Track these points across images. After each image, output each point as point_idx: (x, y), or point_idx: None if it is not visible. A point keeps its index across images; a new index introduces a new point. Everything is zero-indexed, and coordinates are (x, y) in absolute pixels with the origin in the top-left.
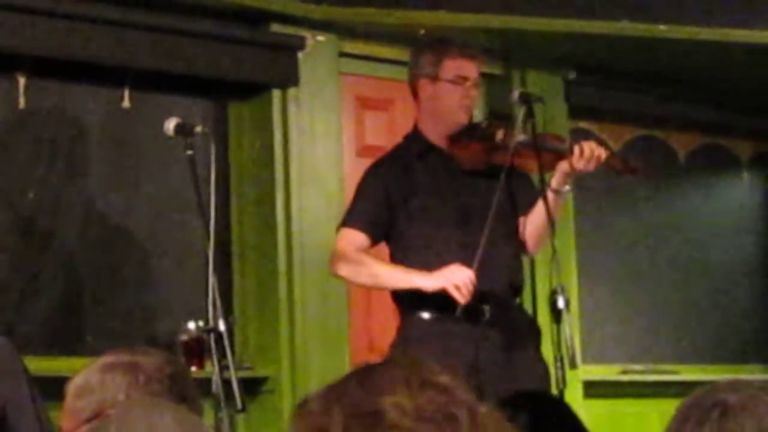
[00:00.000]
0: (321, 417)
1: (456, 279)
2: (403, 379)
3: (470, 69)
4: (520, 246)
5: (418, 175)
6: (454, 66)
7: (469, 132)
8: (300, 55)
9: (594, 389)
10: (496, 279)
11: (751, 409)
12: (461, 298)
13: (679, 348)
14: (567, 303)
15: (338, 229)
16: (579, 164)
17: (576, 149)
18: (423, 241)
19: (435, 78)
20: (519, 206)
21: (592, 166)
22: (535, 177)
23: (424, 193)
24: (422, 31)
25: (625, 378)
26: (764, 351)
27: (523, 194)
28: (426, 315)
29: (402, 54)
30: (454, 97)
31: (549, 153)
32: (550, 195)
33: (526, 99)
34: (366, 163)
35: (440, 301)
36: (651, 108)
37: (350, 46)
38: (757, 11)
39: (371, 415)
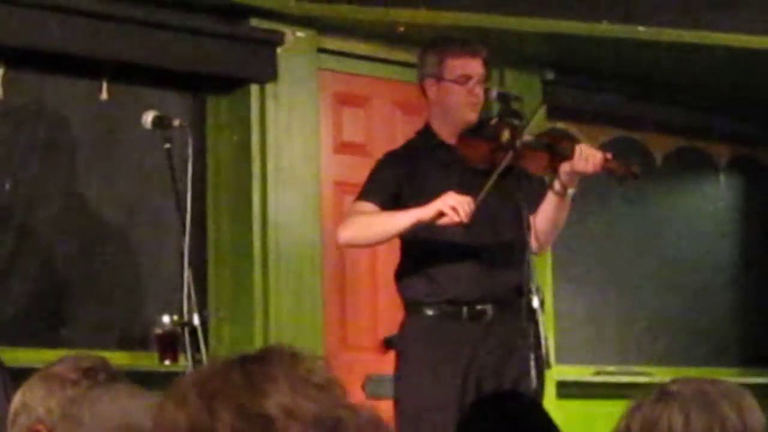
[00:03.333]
0: (203, 414)
1: (451, 200)
2: (285, 377)
3: (474, 66)
4: (527, 246)
5: (427, 171)
6: (456, 65)
7: (476, 130)
8: (279, 50)
9: (567, 390)
10: (500, 280)
11: (701, 398)
12: (456, 216)
13: (653, 350)
14: (542, 303)
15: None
16: (580, 166)
17: (577, 150)
18: (429, 234)
19: (439, 78)
20: (527, 207)
21: (591, 168)
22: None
23: (433, 187)
24: (401, 29)
25: (599, 379)
26: (738, 353)
27: (530, 194)
28: (430, 312)
29: (380, 51)
30: (460, 96)
31: (554, 155)
32: (553, 197)
33: (505, 98)
34: (343, 159)
35: (444, 299)
36: (629, 110)
37: (329, 43)
38: (737, 14)
39: (260, 419)
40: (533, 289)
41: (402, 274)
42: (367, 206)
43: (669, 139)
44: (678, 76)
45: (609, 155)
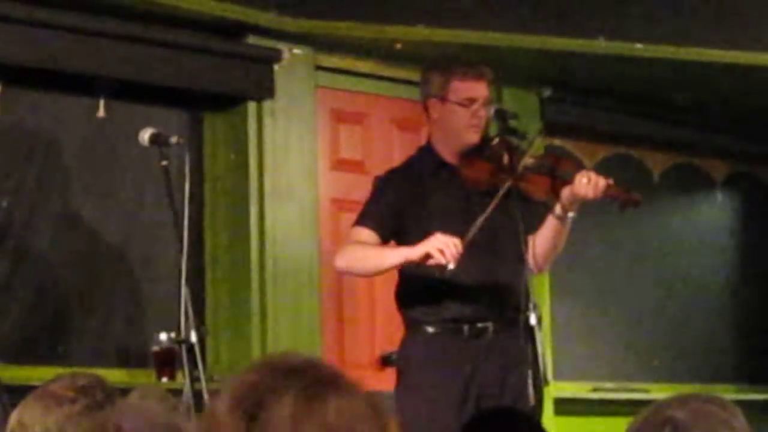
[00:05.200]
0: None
1: (438, 243)
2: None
3: (478, 89)
4: (526, 266)
5: (429, 190)
6: (461, 87)
7: (477, 152)
8: (276, 67)
9: (565, 406)
10: (500, 299)
11: (702, 423)
12: (443, 259)
13: (650, 366)
14: (539, 320)
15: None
16: (581, 191)
17: (578, 177)
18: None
19: (443, 99)
20: (527, 227)
21: (592, 194)
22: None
23: (434, 208)
24: (398, 46)
25: (596, 396)
26: (736, 370)
27: (531, 215)
28: (431, 329)
29: (378, 68)
30: (463, 119)
31: (555, 179)
32: (554, 220)
33: (502, 115)
34: (340, 176)
35: (445, 317)
36: (626, 126)
37: (326, 60)
38: (734, 32)
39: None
40: (531, 306)
41: (402, 291)
42: (365, 233)
43: (666, 156)
44: (675, 92)
45: (611, 181)
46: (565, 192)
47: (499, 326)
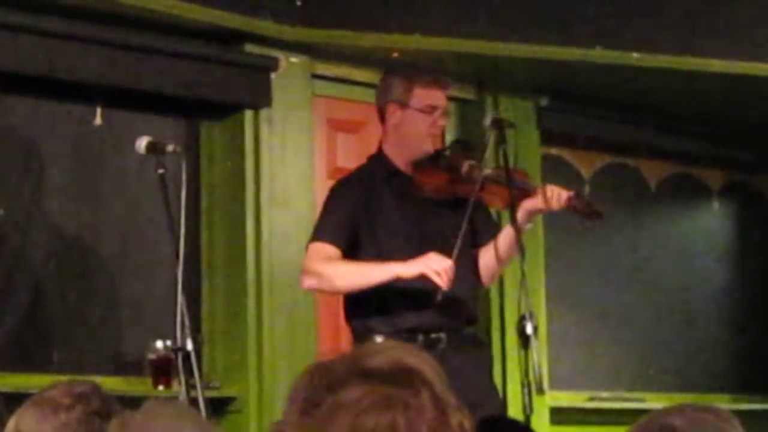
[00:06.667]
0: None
1: (436, 265)
2: None
3: (440, 98)
4: (477, 278)
5: (382, 199)
6: (424, 94)
7: (433, 160)
8: (273, 76)
9: (561, 416)
10: (453, 310)
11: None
12: (441, 282)
13: (646, 376)
14: (535, 329)
15: (307, 247)
16: (542, 204)
17: (540, 189)
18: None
19: (404, 105)
20: (476, 238)
21: (554, 207)
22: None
23: (388, 217)
24: (395, 55)
25: (592, 405)
26: (732, 380)
27: (481, 226)
28: (380, 339)
29: (375, 77)
30: (423, 126)
31: (515, 190)
32: (510, 232)
33: (499, 124)
34: None
35: (401, 327)
36: (623, 136)
37: (323, 68)
38: (731, 41)
39: None
40: (527, 315)
41: (353, 301)
42: (328, 249)
43: (663, 165)
44: (672, 102)
45: (573, 194)
46: (527, 204)
47: (452, 337)
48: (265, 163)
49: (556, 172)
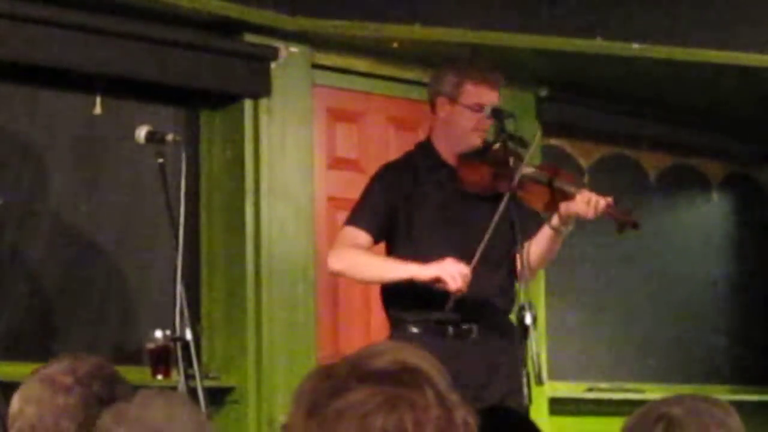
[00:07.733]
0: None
1: (451, 269)
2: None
3: (490, 97)
4: (514, 271)
5: (425, 189)
6: (474, 92)
7: (480, 155)
8: (273, 65)
9: (559, 406)
10: (486, 300)
11: (696, 420)
12: (455, 287)
13: (645, 367)
14: (534, 319)
15: (342, 227)
16: (580, 209)
17: (579, 196)
18: (420, 255)
19: (454, 100)
20: (524, 231)
21: (591, 213)
22: None
23: (429, 207)
24: (395, 45)
25: (591, 396)
26: (731, 371)
27: (526, 219)
28: (415, 329)
29: (375, 67)
30: (470, 123)
31: (554, 191)
32: (549, 232)
33: (498, 114)
34: (336, 175)
35: (430, 319)
36: (622, 127)
37: (323, 58)
38: (731, 32)
39: None
40: (526, 305)
41: (388, 291)
42: (360, 235)
43: (662, 157)
44: (672, 93)
45: (611, 200)
46: (564, 208)
47: (484, 328)
48: (264, 152)
49: (555, 162)
